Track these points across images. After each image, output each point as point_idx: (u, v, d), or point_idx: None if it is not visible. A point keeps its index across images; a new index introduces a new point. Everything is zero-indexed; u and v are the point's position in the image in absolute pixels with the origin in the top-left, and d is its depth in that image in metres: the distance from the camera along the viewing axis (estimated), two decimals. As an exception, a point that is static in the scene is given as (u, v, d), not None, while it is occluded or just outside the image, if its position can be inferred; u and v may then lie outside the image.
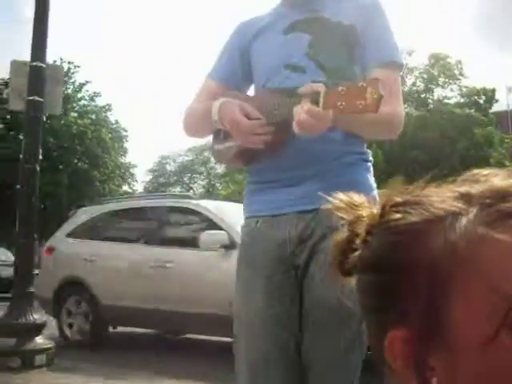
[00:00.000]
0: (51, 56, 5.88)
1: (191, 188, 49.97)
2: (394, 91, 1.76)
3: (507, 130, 30.25)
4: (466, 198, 0.50)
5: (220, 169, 43.89)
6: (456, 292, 0.47)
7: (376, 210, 0.56)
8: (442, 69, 31.34)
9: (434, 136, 26.93)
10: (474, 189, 0.51)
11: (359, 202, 0.58)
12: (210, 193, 47.81)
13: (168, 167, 50.52)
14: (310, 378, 1.69)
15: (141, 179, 48.08)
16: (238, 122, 1.65)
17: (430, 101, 32.41)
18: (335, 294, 1.56)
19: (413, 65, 32.09)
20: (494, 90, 30.16)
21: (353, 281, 0.57)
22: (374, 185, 1.80)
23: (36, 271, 6.36)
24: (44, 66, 5.60)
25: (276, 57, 1.80)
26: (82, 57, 78.64)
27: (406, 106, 32.63)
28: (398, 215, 0.52)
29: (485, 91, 30.03)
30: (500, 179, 0.51)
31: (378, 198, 1.77)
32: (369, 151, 1.85)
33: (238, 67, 1.90)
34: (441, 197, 0.52)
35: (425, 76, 32.05)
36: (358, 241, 0.56)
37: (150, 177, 50.53)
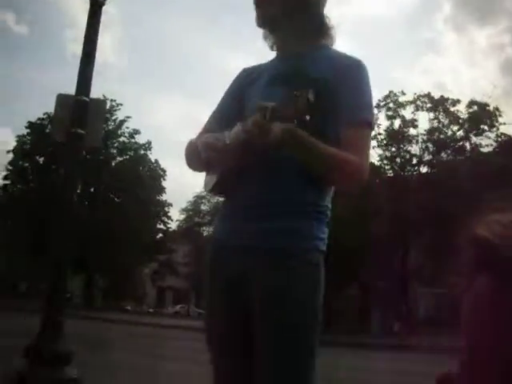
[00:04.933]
0: (94, 94, 6.15)
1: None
2: (359, 148, 1.91)
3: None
4: None
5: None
6: None
7: None
8: (481, 117, 31.26)
9: (466, 185, 26.65)
10: None
11: None
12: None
13: (203, 207, 50.79)
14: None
15: (175, 218, 48.32)
16: (207, 146, 1.90)
17: (467, 148, 32.22)
18: (275, 327, 1.84)
19: (456, 113, 32.14)
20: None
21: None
22: (323, 235, 1.95)
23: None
24: (88, 99, 5.76)
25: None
26: (125, 95, 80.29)
27: (443, 153, 32.51)
28: None
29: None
30: None
31: (322, 248, 1.93)
32: (327, 205, 1.98)
33: (233, 109, 2.10)
34: None
35: (465, 125, 32.00)
36: None
37: (184, 216, 50.82)
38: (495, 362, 0.48)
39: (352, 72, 1.96)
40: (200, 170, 2.11)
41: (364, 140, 1.96)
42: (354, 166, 1.88)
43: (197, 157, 2.00)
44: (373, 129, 2.01)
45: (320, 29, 2.09)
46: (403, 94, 33.97)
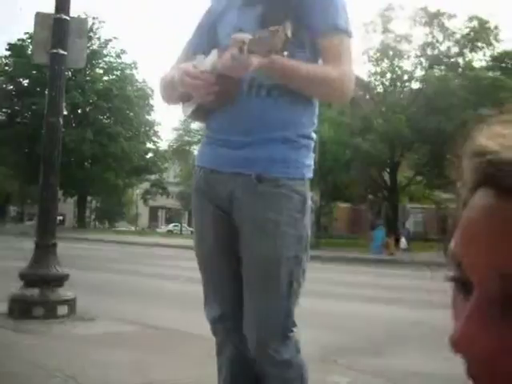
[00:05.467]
0: (75, 12, 5.90)
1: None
2: (340, 56, 1.92)
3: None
4: None
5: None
6: None
7: None
8: (479, 33, 30.76)
9: (457, 101, 26.40)
10: None
11: None
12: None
13: (193, 125, 50.41)
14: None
15: (165, 137, 48.04)
16: (185, 72, 1.86)
17: (460, 64, 31.84)
18: (260, 252, 1.87)
19: (453, 29, 31.61)
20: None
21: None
22: (309, 162, 1.96)
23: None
24: (68, 18, 5.57)
25: (232, 30, 1.92)
26: (109, 13, 78.03)
27: (436, 69, 32.12)
28: None
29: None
30: None
31: (309, 175, 1.90)
32: (314, 123, 1.99)
33: (204, 41, 2.09)
34: None
35: (461, 41, 31.48)
36: None
37: (175, 135, 50.53)
38: (492, 279, 0.48)
39: None
40: (177, 103, 2.09)
41: (343, 48, 1.94)
42: (338, 79, 1.89)
43: (172, 89, 1.98)
44: (350, 36, 1.98)
45: None
46: (402, 8, 33.17)
